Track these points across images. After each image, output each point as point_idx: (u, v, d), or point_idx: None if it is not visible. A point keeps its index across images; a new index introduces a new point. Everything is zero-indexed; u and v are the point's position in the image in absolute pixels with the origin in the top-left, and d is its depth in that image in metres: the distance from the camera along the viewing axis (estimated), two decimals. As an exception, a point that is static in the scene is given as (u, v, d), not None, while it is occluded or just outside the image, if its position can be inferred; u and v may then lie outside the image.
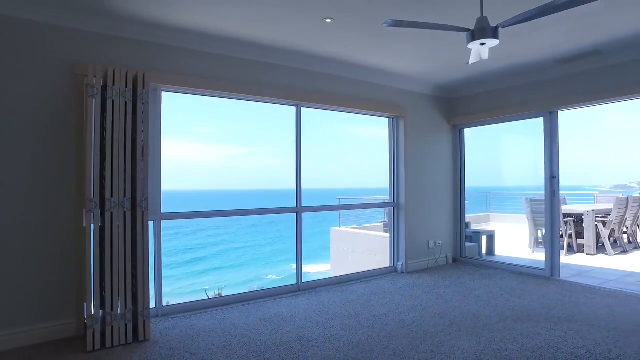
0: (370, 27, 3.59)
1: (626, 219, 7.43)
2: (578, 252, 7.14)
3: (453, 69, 4.97)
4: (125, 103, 3.05)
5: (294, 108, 4.59)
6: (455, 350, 2.87)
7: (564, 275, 5.09)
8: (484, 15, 2.77)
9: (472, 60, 3.26)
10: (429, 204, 5.82)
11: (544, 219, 7.27)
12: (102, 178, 2.99)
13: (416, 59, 4.60)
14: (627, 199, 7.37)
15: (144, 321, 3.08)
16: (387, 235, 8.54)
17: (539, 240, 7.59)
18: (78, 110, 3.21)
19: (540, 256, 7.10)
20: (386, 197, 5.75)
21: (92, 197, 2.92)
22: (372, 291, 4.50)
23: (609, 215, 7.34)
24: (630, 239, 7.68)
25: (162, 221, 3.64)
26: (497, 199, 13.06)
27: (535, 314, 3.62)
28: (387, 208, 6.47)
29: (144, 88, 3.12)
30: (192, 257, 19.53)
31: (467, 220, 6.61)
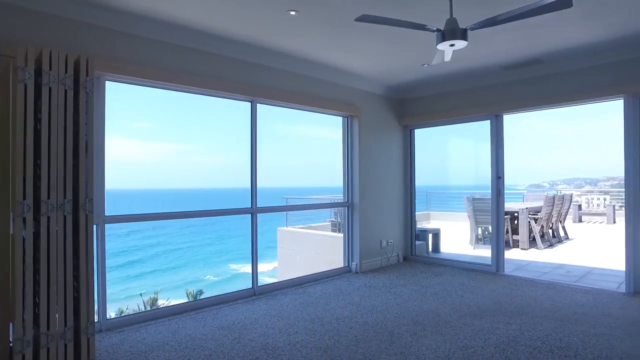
0: (336, 22, 3.49)
1: (552, 215, 8.08)
2: (513, 247, 7.64)
3: (407, 70, 5.04)
4: (65, 91, 2.67)
5: (249, 104, 4.37)
6: (424, 350, 2.86)
7: (506, 269, 5.37)
8: (453, 16, 2.79)
9: (435, 61, 3.28)
10: (381, 203, 5.88)
11: (484, 217, 7.76)
12: (37, 177, 2.60)
13: (374, 59, 4.58)
14: (554, 197, 8.02)
15: (88, 339, 2.72)
16: (336, 234, 8.57)
17: (479, 237, 8.02)
18: (2, 96, 2.76)
19: (481, 252, 7.51)
20: (339, 197, 5.72)
21: (24, 199, 2.52)
22: (330, 293, 4.42)
23: (539, 212, 7.93)
24: (555, 233, 8.37)
25: (105, 225, 3.27)
26: (436, 198, 13.66)
27: (490, 309, 3.76)
28: (338, 208, 6.45)
29: (87, 75, 2.75)
30: (126, 261, 18.27)
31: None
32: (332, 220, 8.95)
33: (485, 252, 7.40)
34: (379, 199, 5.83)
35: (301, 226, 9.20)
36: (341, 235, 8.24)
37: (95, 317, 3.14)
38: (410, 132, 6.33)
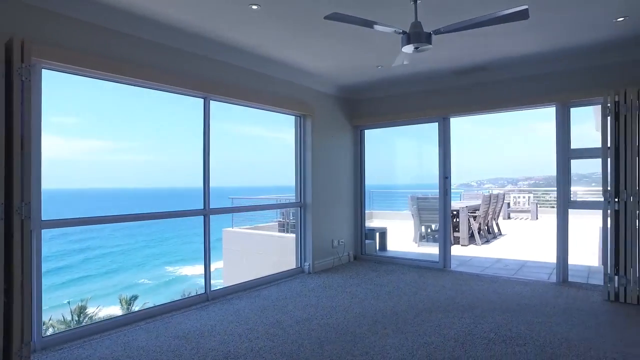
0: (298, 19, 3.42)
1: (489, 213, 8.63)
2: (454, 243, 8.04)
3: (361, 71, 5.08)
4: (-5, 79, 2.35)
5: (201, 100, 4.16)
6: (388, 349, 2.89)
7: (452, 265, 5.63)
8: (418, 20, 2.84)
9: (396, 62, 3.33)
10: (333, 203, 5.89)
11: (429, 215, 8.09)
12: (-39, 177, 2.25)
13: (330, 59, 4.57)
14: (490, 196, 8.57)
15: (24, 360, 2.42)
16: (284, 235, 8.48)
17: (423, 235, 8.34)
18: None
19: (425, 249, 7.82)
20: (286, 196, 5.66)
21: (-55, 202, 2.17)
22: (285, 295, 4.34)
23: (478, 210, 8.43)
24: (490, 230, 8.95)
25: (42, 230, 2.92)
26: (379, 197, 14.05)
27: (443, 305, 3.90)
28: (288, 208, 6.37)
29: (23, 61, 2.44)
30: (50, 267, 16.71)
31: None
32: (280, 221, 8.85)
33: (429, 250, 7.72)
34: (330, 199, 5.84)
35: (247, 227, 8.99)
36: (289, 235, 8.19)
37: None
38: (360, 132, 6.42)
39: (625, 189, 3.90)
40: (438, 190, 5.66)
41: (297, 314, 3.69)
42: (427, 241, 8.38)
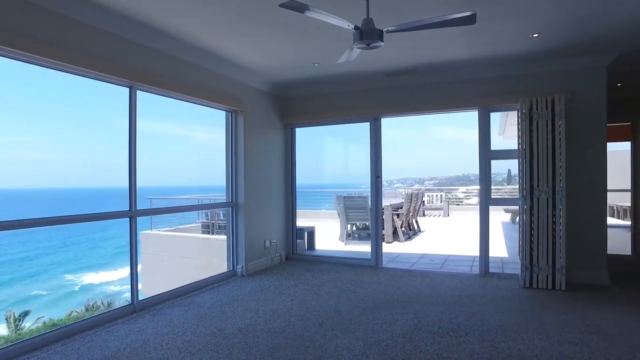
0: (239, 7, 3.21)
1: (410, 211, 9.09)
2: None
3: (297, 67, 4.99)
4: None
5: (127, 90, 3.73)
6: (341, 350, 2.84)
7: (383, 262, 5.78)
8: (370, 17, 2.82)
9: (342, 59, 3.30)
10: (265, 202, 5.72)
11: (355, 214, 8.26)
12: None
13: (266, 53, 4.40)
14: (411, 194, 9.03)
15: None
16: (209, 237, 8.06)
17: (349, 233, 8.51)
18: None
19: (352, 247, 7.99)
20: (213, 196, 5.36)
21: None
22: (221, 301, 4.08)
23: (401, 208, 8.83)
24: (411, 227, 9.44)
25: None
26: (301, 196, 14.08)
27: (384, 302, 3.96)
28: (219, 208, 6.05)
29: None
30: None
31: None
32: (203, 222, 8.40)
33: (356, 247, 7.90)
34: (262, 199, 5.66)
35: (167, 229, 8.39)
36: (216, 237, 7.80)
37: None
38: (291, 130, 6.32)
39: (538, 186, 4.33)
40: (370, 189, 5.78)
41: (238, 321, 3.47)
42: (354, 239, 8.58)
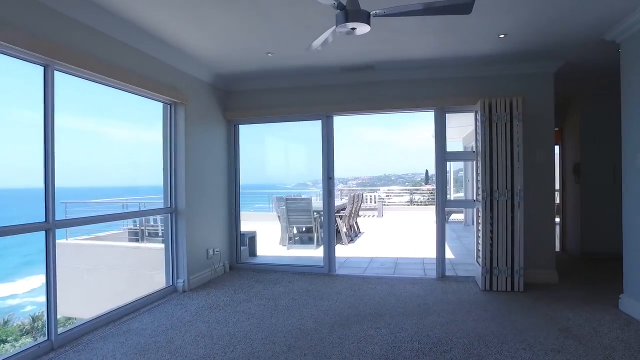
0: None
1: (352, 212, 8.93)
2: (321, 244, 8.03)
3: (246, 56, 4.49)
4: None
5: (41, 69, 2.97)
6: (322, 381, 2.45)
7: (333, 267, 5.47)
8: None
9: (316, 44, 2.91)
10: (208, 207, 5.12)
11: (298, 217, 7.89)
12: None
13: (214, 37, 3.86)
14: (354, 195, 8.88)
15: None
16: (140, 245, 7.15)
17: (292, 237, 8.11)
18: None
19: (295, 252, 7.60)
20: (142, 199, 4.67)
21: None
22: (165, 325, 3.46)
23: (343, 210, 8.63)
24: (353, 228, 9.30)
25: None
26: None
27: (351, 316, 3.64)
28: (157, 215, 5.30)
29: None
30: None
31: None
32: (131, 228, 7.45)
33: (300, 252, 7.54)
34: (205, 202, 5.05)
35: (86, 237, 7.30)
36: (148, 245, 6.94)
37: None
38: (234, 127, 5.76)
39: (498, 189, 4.32)
40: (322, 191, 5.45)
41: (191, 351, 2.92)
42: (295, 243, 8.20)
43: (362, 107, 5.16)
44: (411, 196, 17.86)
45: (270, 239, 8.43)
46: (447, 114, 5.02)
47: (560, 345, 2.91)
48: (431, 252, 7.02)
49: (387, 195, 17.90)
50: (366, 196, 14.57)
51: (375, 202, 14.20)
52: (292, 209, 7.89)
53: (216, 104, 5.40)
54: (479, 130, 4.49)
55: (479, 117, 4.48)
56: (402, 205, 16.67)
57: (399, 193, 19.62)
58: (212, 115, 5.32)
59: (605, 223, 5.87)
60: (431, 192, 20.35)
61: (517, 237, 4.25)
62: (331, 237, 5.42)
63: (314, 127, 5.50)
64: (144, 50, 3.92)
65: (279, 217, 8.51)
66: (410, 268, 5.71)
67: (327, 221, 5.40)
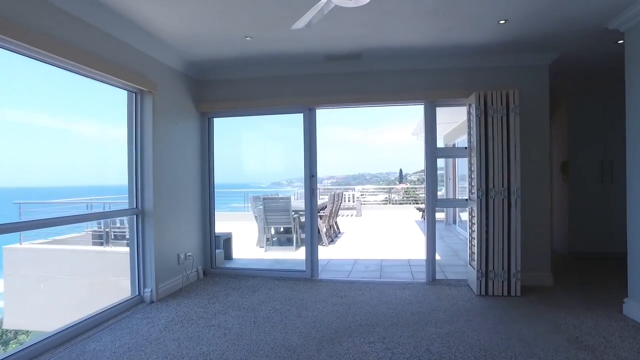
0: None
1: (333, 212, 8.59)
2: (301, 245, 7.66)
3: (221, 41, 4.05)
4: None
5: (-27, 44, 2.47)
6: (315, 414, 2.07)
7: (315, 272, 5.10)
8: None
9: (307, 17, 2.53)
10: (179, 207, 4.66)
11: (276, 217, 7.48)
12: None
13: (188, 16, 3.41)
14: (334, 194, 8.53)
15: None
16: (104, 249, 6.56)
17: (269, 238, 7.69)
18: None
19: (274, 254, 7.20)
20: (113, 198, 4.18)
21: None
22: (127, 345, 3.00)
23: (323, 209, 8.27)
24: (333, 228, 8.95)
25: None
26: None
27: (341, 328, 3.28)
28: (122, 216, 4.79)
29: None
30: None
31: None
32: (94, 230, 6.84)
33: (278, 254, 7.15)
34: (176, 202, 4.59)
35: (42, 241, 6.66)
36: (113, 249, 6.36)
37: None
38: (208, 121, 5.30)
39: (494, 187, 4.05)
40: (304, 190, 5.07)
41: (157, 378, 2.48)
42: (274, 245, 7.79)
43: (348, 99, 4.80)
44: (390, 195, 17.80)
45: (247, 241, 7.99)
46: (436, 108, 4.73)
47: (573, 358, 2.64)
48: (416, 253, 6.78)
49: (361, 194, 17.77)
50: (345, 195, 14.26)
51: (353, 202, 13.90)
52: (269, 209, 7.48)
53: (188, 94, 4.93)
54: (473, 125, 4.21)
55: (473, 111, 4.20)
56: (378, 204, 16.49)
57: (374, 192, 19.93)
58: (184, 107, 4.85)
59: (593, 222, 5.75)
60: (406, 191, 20.40)
61: (514, 239, 4.00)
62: (314, 239, 5.04)
63: (293, 122, 5.12)
64: (111, 32, 3.44)
65: (255, 217, 8.08)
66: (397, 271, 5.40)
67: (310, 222, 5.03)
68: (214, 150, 5.35)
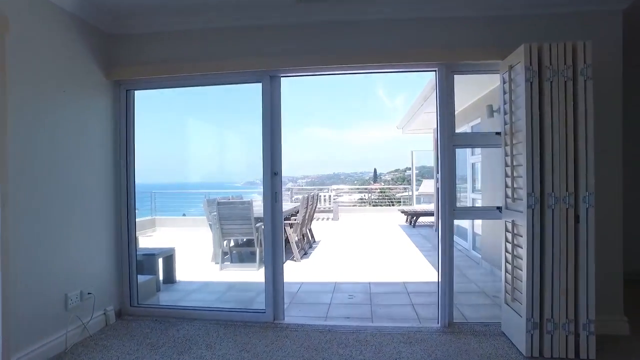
0: None
1: (306, 218, 7.06)
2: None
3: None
4: None
5: None
6: None
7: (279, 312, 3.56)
8: None
9: None
10: (68, 221, 3.02)
11: (233, 226, 5.89)
12: None
13: None
14: (308, 197, 6.99)
15: None
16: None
17: (226, 252, 6.11)
18: None
19: (230, 274, 5.65)
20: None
21: None
22: None
23: (295, 215, 6.74)
24: (306, 238, 7.41)
25: None
26: (164, 198, 11.07)
27: None
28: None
29: None
30: None
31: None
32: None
33: (236, 275, 5.63)
34: (64, 214, 2.95)
35: None
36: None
37: None
38: (127, 93, 3.67)
39: (553, 190, 2.62)
40: (263, 193, 3.52)
41: None
42: (233, 261, 6.20)
43: (326, 61, 3.28)
44: (369, 195, 16.56)
45: (204, 254, 6.39)
46: (453, 76, 3.27)
47: None
48: (412, 272, 5.37)
49: (337, 194, 16.63)
50: (321, 197, 12.71)
51: (329, 203, 12.39)
52: (225, 216, 5.88)
53: (90, 52, 3.28)
54: (515, 97, 2.79)
55: (516, 76, 2.78)
56: (355, 206, 15.13)
57: (349, 192, 19.57)
58: (82, 71, 3.21)
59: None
60: (381, 191, 19.32)
61: (584, 270, 2.58)
62: (277, 263, 3.50)
63: (254, 95, 3.56)
64: None
65: (210, 225, 6.47)
66: (393, 302, 3.96)
67: (271, 239, 3.48)
68: (134, 134, 3.71)
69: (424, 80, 6.35)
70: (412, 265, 5.68)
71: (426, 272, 5.28)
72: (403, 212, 10.92)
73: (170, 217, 11.16)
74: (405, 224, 10.64)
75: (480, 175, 5.42)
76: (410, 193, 14.76)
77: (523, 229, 2.69)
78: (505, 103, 2.97)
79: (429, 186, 13.71)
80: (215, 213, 6.00)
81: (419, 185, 14.44)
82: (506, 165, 2.98)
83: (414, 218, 10.04)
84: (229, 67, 3.39)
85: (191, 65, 3.40)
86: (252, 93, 3.47)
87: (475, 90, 5.56)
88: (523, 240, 2.70)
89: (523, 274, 2.69)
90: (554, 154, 2.61)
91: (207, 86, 3.67)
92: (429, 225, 9.89)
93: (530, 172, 2.64)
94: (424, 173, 17.73)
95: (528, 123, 2.64)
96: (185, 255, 6.69)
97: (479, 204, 6.16)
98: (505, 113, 2.97)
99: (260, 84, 3.43)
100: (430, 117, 7.71)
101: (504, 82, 2.99)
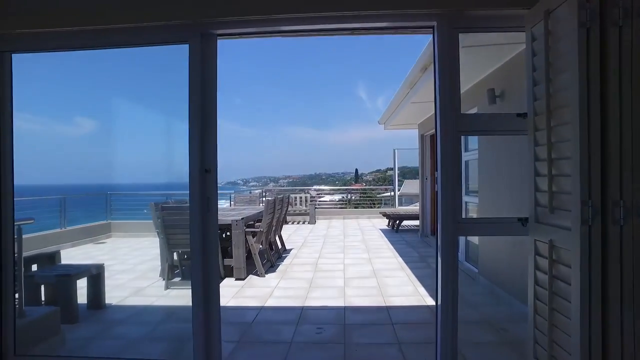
0: None
1: (273, 224, 6.04)
2: (226, 276, 5.08)
3: None
4: None
5: None
6: None
7: (227, 346, 2.56)
8: None
9: None
10: None
11: (181, 236, 4.85)
12: None
13: None
14: (274, 200, 5.96)
15: None
16: None
17: (174, 267, 5.07)
18: None
19: (177, 296, 4.63)
20: None
21: None
22: None
23: (259, 221, 5.72)
24: (273, 246, 6.40)
25: None
26: (121, 202, 9.91)
27: None
28: None
29: None
30: None
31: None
32: None
33: (183, 296, 4.56)
34: None
35: None
36: None
37: None
38: (1, 57, 2.59)
39: (622, 197, 1.69)
40: (189, 195, 2.50)
41: None
42: (183, 279, 5.14)
43: (287, 8, 2.29)
44: (350, 195, 15.70)
45: (154, 268, 5.34)
46: (458, 34, 2.31)
47: None
48: (396, 291, 4.44)
49: (318, 194, 15.82)
50: (295, 197, 11.63)
51: (306, 205, 11.35)
52: (171, 224, 4.84)
53: None
54: (560, 55, 1.85)
55: (561, 23, 1.84)
56: (335, 208, 14.19)
57: (330, 192, 19.30)
58: None
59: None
60: (363, 191, 18.57)
61: (669, 320, 1.66)
62: (212, 302, 2.47)
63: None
64: None
65: (158, 234, 5.39)
66: (374, 341, 3.01)
67: (201, 275, 2.45)
68: (12, 115, 2.63)
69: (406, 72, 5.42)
70: (396, 282, 4.75)
71: (413, 291, 4.35)
72: (385, 215, 9.99)
73: (129, 221, 10.00)
74: (387, 227, 9.72)
75: (477, 173, 4.54)
76: (392, 194, 13.92)
77: (572, 255, 1.75)
78: (534, 70, 2.03)
79: (410, 187, 12.93)
80: (161, 220, 4.95)
81: (400, 185, 13.71)
82: (537, 159, 2.04)
83: (397, 222, 9.13)
84: (143, 18, 2.36)
85: (89, 17, 2.36)
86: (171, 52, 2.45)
87: (470, 74, 4.63)
88: (572, 273, 1.75)
89: (573, 324, 1.75)
90: (623, 141, 1.68)
91: (114, 48, 2.62)
92: (413, 230, 9.00)
93: (585, 169, 1.70)
94: (405, 173, 17.04)
95: (583, 92, 1.70)
96: (133, 269, 5.64)
97: (473, 208, 5.28)
98: (535, 84, 2.03)
99: (186, 45, 2.41)
100: (416, 109, 6.82)
101: (534, 40, 2.05)
